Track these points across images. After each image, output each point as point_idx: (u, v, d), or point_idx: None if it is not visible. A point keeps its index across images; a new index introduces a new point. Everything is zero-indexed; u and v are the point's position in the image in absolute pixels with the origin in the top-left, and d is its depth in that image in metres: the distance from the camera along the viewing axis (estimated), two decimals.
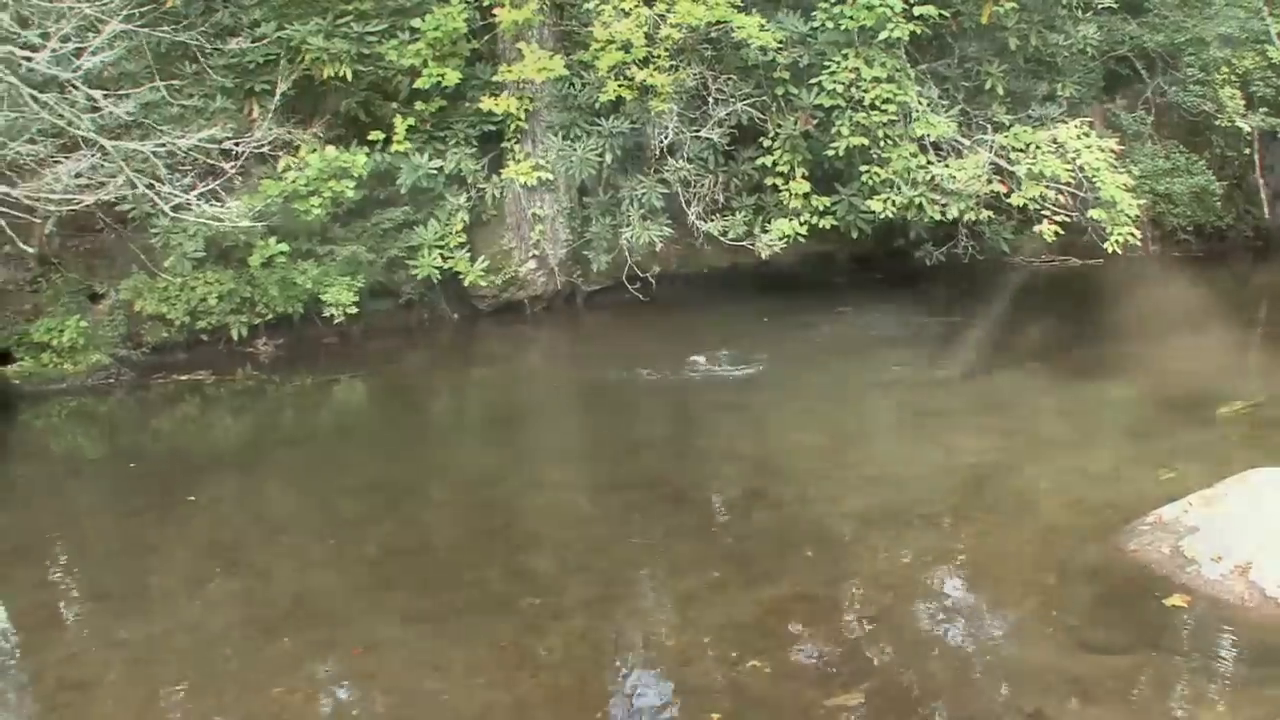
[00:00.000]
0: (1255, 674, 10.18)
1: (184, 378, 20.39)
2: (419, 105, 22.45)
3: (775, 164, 22.25)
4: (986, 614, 11.60)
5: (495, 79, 22.28)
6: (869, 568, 12.38)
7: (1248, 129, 27.28)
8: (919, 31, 21.84)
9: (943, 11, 21.89)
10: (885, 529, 13.29)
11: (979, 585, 12.09)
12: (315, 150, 21.18)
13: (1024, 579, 11.91)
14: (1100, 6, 25.13)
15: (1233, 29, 26.79)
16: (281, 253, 21.16)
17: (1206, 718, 9.70)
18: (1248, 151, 28.52)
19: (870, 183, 21.72)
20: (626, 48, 21.01)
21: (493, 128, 22.75)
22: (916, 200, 21.59)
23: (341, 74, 21.52)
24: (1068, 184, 21.41)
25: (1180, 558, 11.67)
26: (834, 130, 21.57)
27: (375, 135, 22.21)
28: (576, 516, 14.29)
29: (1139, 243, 22.44)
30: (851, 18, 21.35)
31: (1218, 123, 27.24)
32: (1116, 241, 21.39)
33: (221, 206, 18.04)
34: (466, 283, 22.65)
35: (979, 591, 11.99)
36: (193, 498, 14.99)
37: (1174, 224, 27.82)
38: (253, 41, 21.01)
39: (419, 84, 22.04)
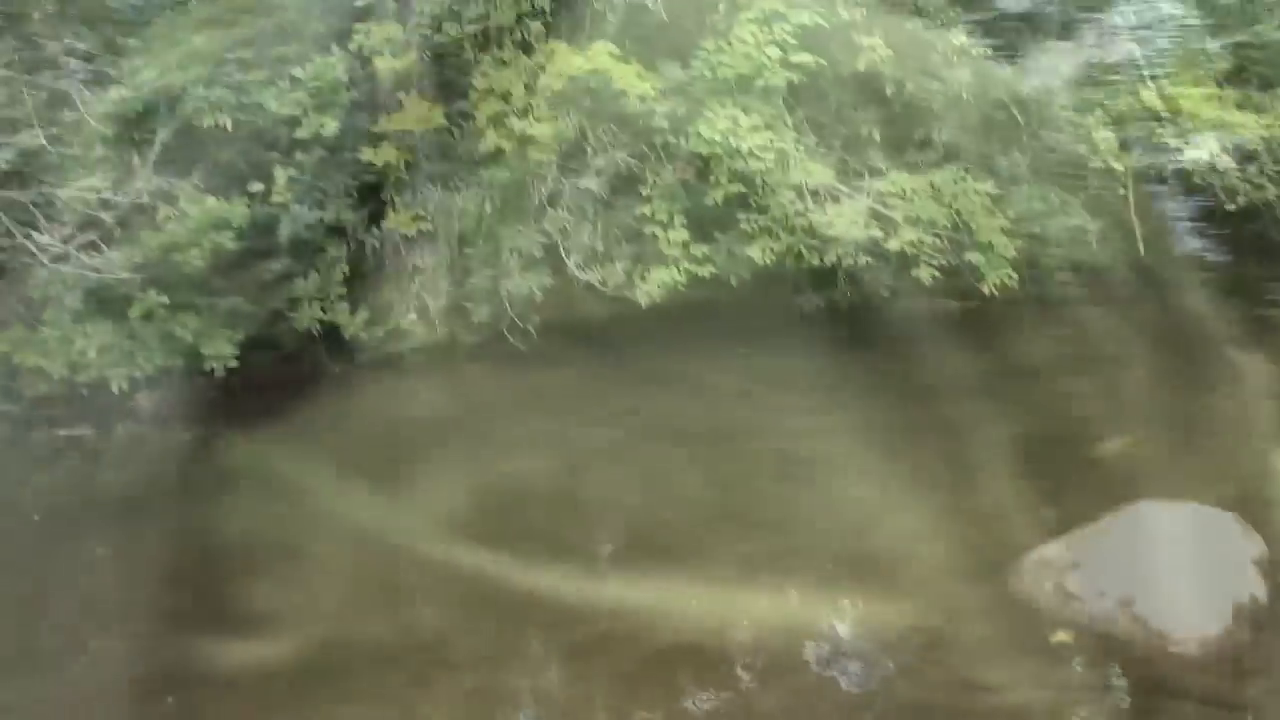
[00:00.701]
0: (1142, 706, 10.35)
1: (64, 432, 20.11)
2: (299, 155, 22.31)
3: (654, 213, 22.18)
4: (875, 657, 11.67)
5: (375, 129, 22.18)
6: (759, 614, 12.43)
7: (1121, 169, 27.71)
8: (795, 79, 21.99)
9: (819, 59, 22.05)
10: (769, 574, 13.34)
11: (867, 629, 12.16)
12: (195, 201, 21.01)
13: (911, 622, 11.99)
14: (975, 53, 25.42)
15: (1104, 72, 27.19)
16: (161, 305, 20.92)
17: None
18: (1122, 192, 28.92)
19: (749, 230, 21.76)
20: (506, 98, 21.06)
21: (373, 178, 22.61)
22: (795, 247, 21.65)
23: (221, 123, 21.36)
24: (945, 228, 21.65)
25: (1064, 594, 11.86)
26: (712, 178, 21.60)
27: (255, 186, 22.05)
28: (458, 571, 14.23)
29: (1016, 284, 22.71)
30: (730, 66, 21.49)
31: (1092, 164, 27.62)
32: (994, 283, 21.71)
33: (101, 258, 17.88)
34: (347, 335, 22.43)
35: (867, 636, 12.07)
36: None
37: (1051, 264, 28.09)
38: (133, 90, 20.76)
39: (299, 134, 21.92)
